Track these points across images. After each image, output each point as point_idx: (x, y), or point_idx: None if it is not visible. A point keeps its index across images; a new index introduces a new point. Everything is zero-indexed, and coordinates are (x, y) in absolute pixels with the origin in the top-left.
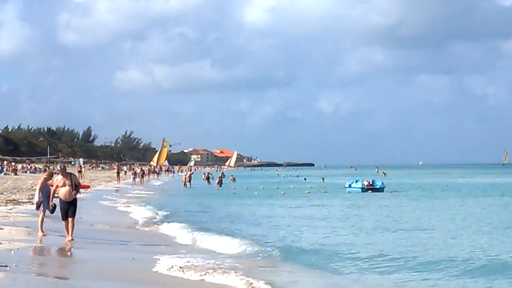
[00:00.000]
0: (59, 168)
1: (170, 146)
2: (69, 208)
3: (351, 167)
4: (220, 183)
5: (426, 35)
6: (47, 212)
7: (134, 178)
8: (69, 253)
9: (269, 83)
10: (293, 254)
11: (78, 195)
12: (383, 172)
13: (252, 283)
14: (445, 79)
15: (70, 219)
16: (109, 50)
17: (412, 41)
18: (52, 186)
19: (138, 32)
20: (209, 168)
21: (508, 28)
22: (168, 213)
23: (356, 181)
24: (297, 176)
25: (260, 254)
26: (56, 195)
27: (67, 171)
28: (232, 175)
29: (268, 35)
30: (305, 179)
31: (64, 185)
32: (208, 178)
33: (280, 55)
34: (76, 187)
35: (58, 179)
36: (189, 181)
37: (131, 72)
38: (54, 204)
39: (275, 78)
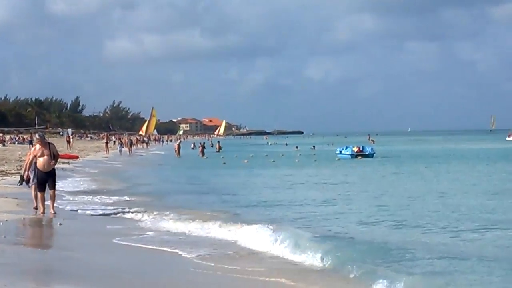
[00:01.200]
0: (37, 136)
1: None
2: (48, 179)
3: (337, 135)
4: (203, 152)
5: (417, 2)
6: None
7: (121, 148)
8: (58, 224)
9: (259, 51)
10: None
11: (67, 166)
12: (371, 139)
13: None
14: (434, 45)
15: (51, 191)
16: (98, 19)
17: (402, 7)
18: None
19: (127, 0)
20: (198, 137)
21: None
22: (129, 185)
23: (346, 148)
24: (286, 144)
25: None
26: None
27: (45, 140)
28: (218, 142)
29: (258, 3)
30: (296, 147)
31: (42, 155)
32: (203, 150)
33: (270, 23)
34: (54, 157)
35: (36, 148)
36: (176, 150)
37: (120, 41)
38: (29, 175)
39: (265, 46)
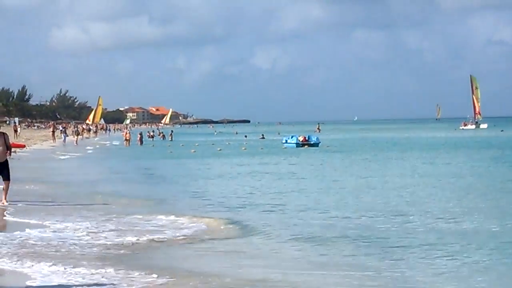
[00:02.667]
0: None
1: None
2: (2, 170)
3: (279, 123)
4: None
5: None
6: None
7: (65, 137)
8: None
9: (206, 40)
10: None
11: (14, 155)
12: (318, 128)
13: None
14: (382, 34)
15: (5, 182)
16: (45, 8)
17: None
18: None
19: None
20: (145, 125)
21: None
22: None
23: (292, 137)
24: (236, 133)
25: None
26: None
27: (0, 130)
28: (160, 132)
29: None
30: (245, 136)
31: None
32: (141, 139)
33: (218, 11)
34: (8, 148)
35: None
36: (128, 139)
37: (67, 29)
38: None
39: (212, 35)
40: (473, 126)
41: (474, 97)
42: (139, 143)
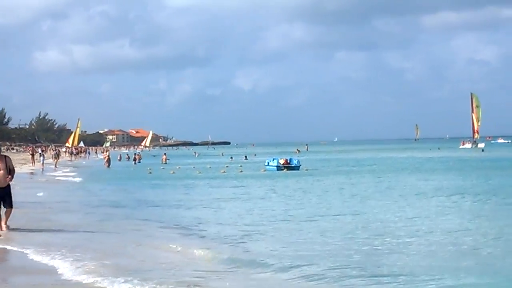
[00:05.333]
0: None
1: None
2: (3, 196)
3: (253, 145)
4: (108, 162)
5: (350, 10)
6: None
7: (43, 160)
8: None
9: (188, 62)
10: None
11: None
12: (297, 149)
13: None
14: (364, 54)
15: (6, 209)
16: (27, 30)
17: (334, 16)
18: None
19: (59, 10)
20: (125, 148)
21: (429, 2)
22: None
23: (273, 159)
24: (222, 155)
25: None
26: None
27: (1, 153)
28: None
29: (189, 13)
30: (231, 157)
31: None
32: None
33: (201, 33)
34: (10, 171)
35: None
36: (107, 161)
37: (49, 52)
38: None
39: (194, 57)
40: (470, 145)
41: (473, 115)
42: (106, 165)
